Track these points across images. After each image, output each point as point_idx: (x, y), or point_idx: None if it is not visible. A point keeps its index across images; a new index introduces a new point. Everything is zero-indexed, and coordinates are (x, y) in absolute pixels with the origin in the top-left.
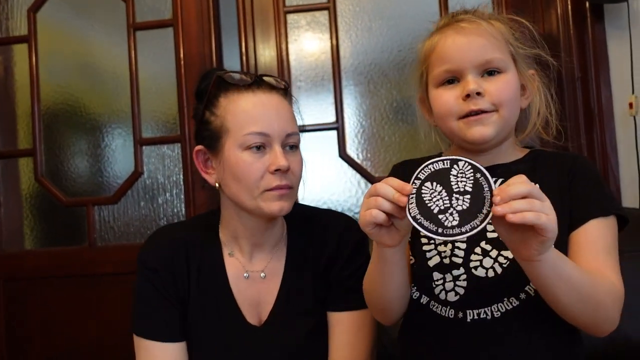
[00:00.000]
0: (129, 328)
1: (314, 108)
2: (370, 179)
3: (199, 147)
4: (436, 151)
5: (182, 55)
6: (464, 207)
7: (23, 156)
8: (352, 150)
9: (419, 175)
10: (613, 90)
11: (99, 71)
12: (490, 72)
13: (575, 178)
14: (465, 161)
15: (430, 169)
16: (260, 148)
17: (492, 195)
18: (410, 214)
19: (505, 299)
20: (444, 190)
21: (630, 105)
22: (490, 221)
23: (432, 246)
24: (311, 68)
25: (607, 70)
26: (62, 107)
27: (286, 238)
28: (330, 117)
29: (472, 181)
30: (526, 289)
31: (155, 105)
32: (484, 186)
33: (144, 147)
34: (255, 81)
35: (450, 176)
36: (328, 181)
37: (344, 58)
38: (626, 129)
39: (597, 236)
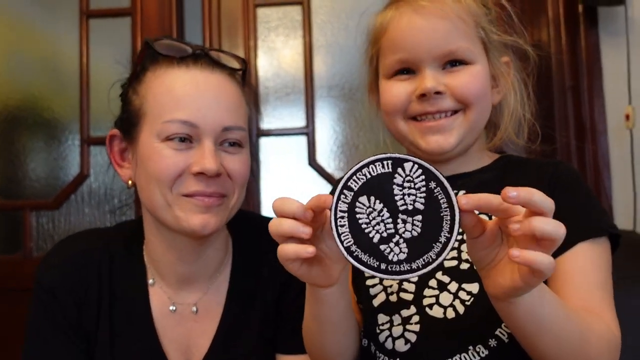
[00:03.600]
0: None
1: (282, 111)
2: None
3: (114, 131)
4: None
5: (139, 47)
6: (414, 234)
7: None
8: (322, 158)
9: (349, 184)
10: (607, 101)
11: (47, 63)
12: (453, 63)
13: (556, 190)
14: (414, 162)
15: (365, 175)
16: (184, 140)
17: (453, 216)
18: (342, 243)
19: (471, 347)
20: (385, 210)
21: (627, 117)
22: (449, 253)
23: (377, 279)
24: (281, 68)
25: (600, 79)
26: (3, 101)
27: (231, 261)
28: (300, 122)
29: (423, 194)
30: (497, 332)
31: (107, 101)
32: (441, 201)
33: (91, 147)
34: (194, 54)
35: (394, 186)
36: (295, 190)
37: (318, 58)
38: (621, 143)
39: (588, 265)
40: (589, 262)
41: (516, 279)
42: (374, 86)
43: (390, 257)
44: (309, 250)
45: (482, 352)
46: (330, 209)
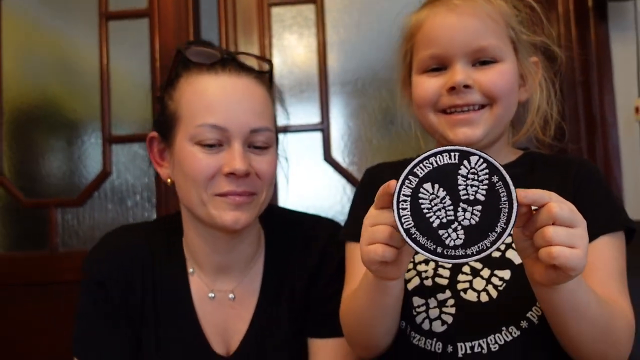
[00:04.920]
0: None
1: (297, 108)
2: (356, 184)
3: (153, 133)
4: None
5: (157, 47)
6: (472, 222)
7: None
8: (337, 154)
9: (415, 171)
10: (616, 94)
11: (67, 64)
12: (483, 61)
13: (581, 186)
14: (480, 157)
15: (431, 164)
16: (215, 147)
17: (510, 209)
18: (402, 225)
19: (504, 328)
20: (447, 197)
21: (637, 109)
22: (504, 243)
23: (411, 264)
24: (296, 65)
25: (610, 73)
26: (26, 101)
27: (264, 252)
28: (315, 118)
29: (485, 186)
30: (528, 315)
31: (127, 101)
32: (501, 195)
33: (113, 146)
34: (222, 60)
35: (458, 177)
36: (311, 186)
37: (331, 55)
38: (630, 135)
39: (608, 256)
40: (609, 253)
41: (550, 273)
42: (407, 81)
43: (447, 242)
44: (391, 254)
45: (515, 333)
46: (394, 192)
